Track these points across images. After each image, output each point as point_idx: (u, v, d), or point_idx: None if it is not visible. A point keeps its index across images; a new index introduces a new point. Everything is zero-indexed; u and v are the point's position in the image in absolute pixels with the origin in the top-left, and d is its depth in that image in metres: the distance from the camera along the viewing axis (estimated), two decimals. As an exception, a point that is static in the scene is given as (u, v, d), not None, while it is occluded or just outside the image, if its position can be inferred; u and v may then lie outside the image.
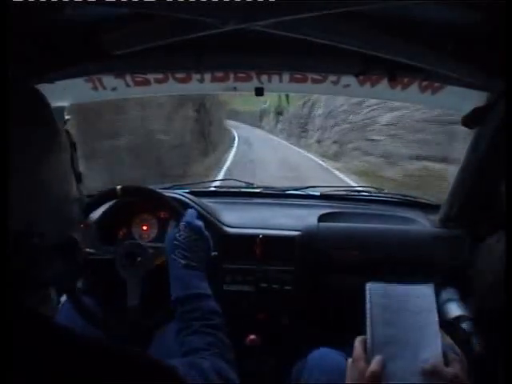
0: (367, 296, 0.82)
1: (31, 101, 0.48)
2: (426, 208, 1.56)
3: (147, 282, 1.06)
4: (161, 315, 1.00)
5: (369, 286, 0.83)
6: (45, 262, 0.46)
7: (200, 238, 0.93)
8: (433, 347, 0.77)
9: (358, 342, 0.82)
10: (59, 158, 0.48)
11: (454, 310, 1.10)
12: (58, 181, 0.48)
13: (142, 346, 1.05)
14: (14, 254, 0.42)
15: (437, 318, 0.80)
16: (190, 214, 0.97)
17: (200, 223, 0.96)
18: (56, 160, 0.47)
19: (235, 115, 41.26)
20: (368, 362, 0.77)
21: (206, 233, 0.96)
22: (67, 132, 0.52)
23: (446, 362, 0.75)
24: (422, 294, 0.82)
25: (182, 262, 0.87)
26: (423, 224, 1.43)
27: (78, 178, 0.54)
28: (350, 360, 0.81)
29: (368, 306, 0.82)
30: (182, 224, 0.93)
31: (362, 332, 0.83)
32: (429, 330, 0.79)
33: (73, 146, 0.54)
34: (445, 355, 0.76)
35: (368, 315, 0.81)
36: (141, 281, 1.05)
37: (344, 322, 1.28)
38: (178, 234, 0.91)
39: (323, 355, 1.01)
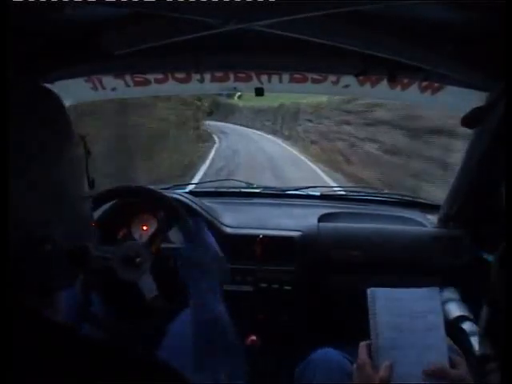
0: (370, 301, 0.82)
1: (45, 102, 0.48)
2: (426, 208, 1.56)
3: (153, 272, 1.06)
4: (173, 304, 1.01)
5: (371, 290, 0.83)
6: (56, 269, 0.46)
7: (218, 259, 0.94)
8: (439, 350, 0.78)
9: (362, 347, 0.82)
10: (72, 160, 0.48)
11: (454, 310, 1.10)
12: (71, 182, 0.48)
13: (148, 344, 1.05)
14: (25, 260, 0.42)
15: (442, 321, 0.80)
16: (202, 227, 0.97)
17: (212, 239, 0.97)
18: (69, 161, 0.47)
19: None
20: (374, 367, 0.77)
21: (217, 247, 0.96)
22: (82, 137, 0.52)
23: (451, 364, 0.75)
24: (428, 297, 0.82)
25: (204, 285, 0.88)
26: (423, 224, 1.44)
27: (91, 184, 0.54)
28: (355, 365, 0.81)
29: (371, 310, 0.81)
30: (196, 241, 0.94)
31: (362, 332, 0.82)
32: (435, 333, 0.79)
33: (87, 151, 0.53)
34: (449, 357, 0.77)
35: (372, 320, 0.81)
36: (149, 274, 1.05)
37: (344, 322, 1.28)
38: (194, 252, 0.92)
39: (326, 355, 1.01)
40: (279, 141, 12.92)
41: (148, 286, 1.04)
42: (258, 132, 14.15)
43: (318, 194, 1.73)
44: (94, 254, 0.51)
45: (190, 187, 1.76)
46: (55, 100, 0.49)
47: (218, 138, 12.55)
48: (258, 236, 1.35)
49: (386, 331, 0.79)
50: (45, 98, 0.48)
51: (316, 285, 1.35)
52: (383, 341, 0.79)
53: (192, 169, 8.77)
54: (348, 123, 9.96)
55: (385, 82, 1.17)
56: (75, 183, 0.49)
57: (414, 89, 1.21)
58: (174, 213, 1.04)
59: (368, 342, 0.81)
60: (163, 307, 1.02)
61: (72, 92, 1.30)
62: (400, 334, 0.79)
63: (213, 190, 1.76)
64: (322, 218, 1.44)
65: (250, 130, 14.32)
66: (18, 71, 0.46)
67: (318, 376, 0.96)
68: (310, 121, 13.07)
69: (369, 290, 0.83)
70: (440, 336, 0.79)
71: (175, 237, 1.22)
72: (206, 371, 0.72)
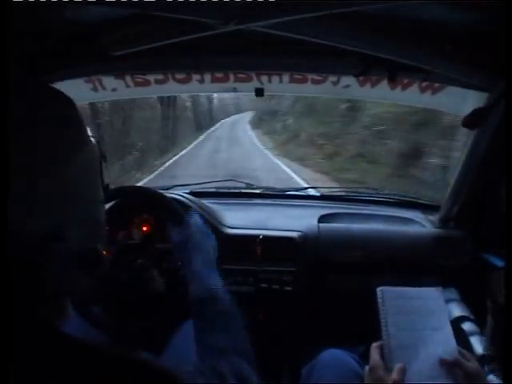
0: (379, 300, 0.83)
1: (55, 102, 0.48)
2: (426, 208, 1.56)
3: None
4: (174, 314, 1.00)
5: (380, 289, 0.84)
6: (66, 271, 0.45)
7: (208, 237, 0.94)
8: (449, 347, 0.79)
9: (374, 348, 0.81)
10: (87, 159, 0.48)
11: (454, 310, 1.10)
12: (84, 183, 0.47)
13: (153, 349, 1.05)
14: (35, 260, 0.41)
15: (448, 319, 0.82)
16: (195, 216, 0.99)
17: (205, 227, 0.97)
18: (84, 161, 0.47)
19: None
20: (387, 369, 0.77)
21: (210, 231, 0.97)
22: (97, 142, 0.52)
23: (465, 359, 0.77)
24: (432, 296, 0.84)
25: (199, 260, 0.87)
26: (423, 224, 1.43)
27: (105, 188, 0.54)
28: (367, 367, 0.81)
29: (381, 309, 0.82)
30: (188, 225, 0.94)
31: (362, 332, 0.83)
32: (442, 330, 0.81)
33: (102, 156, 0.53)
34: (461, 353, 0.78)
35: (382, 320, 0.81)
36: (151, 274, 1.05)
37: (344, 323, 1.28)
38: (186, 234, 0.92)
39: (334, 356, 1.00)
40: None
41: (149, 286, 1.05)
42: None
43: (318, 194, 1.73)
44: (105, 258, 0.50)
45: (191, 187, 1.76)
46: (67, 100, 0.49)
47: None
48: (259, 237, 1.35)
49: (397, 331, 0.80)
50: (55, 98, 0.48)
51: (316, 285, 1.34)
52: (394, 341, 0.80)
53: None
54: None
55: (385, 83, 1.17)
56: (89, 185, 0.49)
57: (414, 89, 1.21)
58: (173, 213, 1.04)
59: (379, 342, 0.81)
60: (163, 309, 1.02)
61: (72, 93, 1.28)
62: (410, 333, 0.80)
63: (213, 190, 1.76)
64: (322, 219, 1.44)
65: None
66: (25, 72, 0.46)
67: (326, 376, 0.95)
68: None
69: (378, 289, 0.84)
70: (448, 333, 0.80)
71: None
72: (206, 358, 0.69)
